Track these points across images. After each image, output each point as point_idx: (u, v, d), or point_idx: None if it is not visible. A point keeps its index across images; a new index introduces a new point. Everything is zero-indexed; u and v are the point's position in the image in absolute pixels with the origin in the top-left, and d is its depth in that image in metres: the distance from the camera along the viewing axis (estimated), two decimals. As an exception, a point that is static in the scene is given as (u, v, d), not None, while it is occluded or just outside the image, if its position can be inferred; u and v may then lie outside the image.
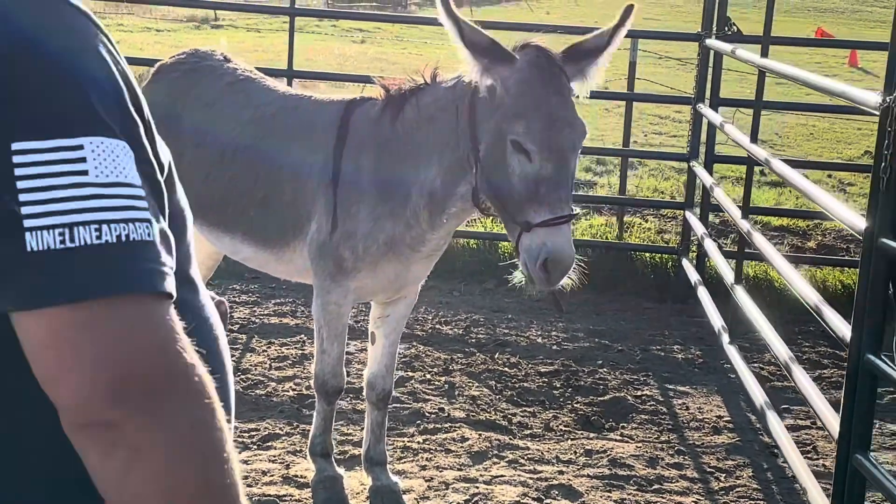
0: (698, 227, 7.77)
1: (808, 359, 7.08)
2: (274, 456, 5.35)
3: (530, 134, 3.94)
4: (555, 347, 7.15)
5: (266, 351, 6.76)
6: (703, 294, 7.20)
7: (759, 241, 5.77)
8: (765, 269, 8.15)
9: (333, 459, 5.02)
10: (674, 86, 14.20)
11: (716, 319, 6.83)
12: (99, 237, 1.26)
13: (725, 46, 7.33)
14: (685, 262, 8.08)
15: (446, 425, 5.82)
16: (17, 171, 1.25)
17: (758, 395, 5.56)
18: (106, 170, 1.28)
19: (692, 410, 6.23)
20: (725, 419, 6.14)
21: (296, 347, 6.81)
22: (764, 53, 6.36)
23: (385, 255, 4.57)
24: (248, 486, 5.03)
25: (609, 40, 4.12)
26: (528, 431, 5.84)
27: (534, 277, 3.98)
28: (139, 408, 1.26)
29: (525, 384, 6.49)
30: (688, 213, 8.24)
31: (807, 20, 34.79)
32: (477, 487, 5.13)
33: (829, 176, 12.22)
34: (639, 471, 5.37)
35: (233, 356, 6.61)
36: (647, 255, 8.59)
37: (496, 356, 6.90)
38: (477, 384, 6.43)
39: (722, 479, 5.41)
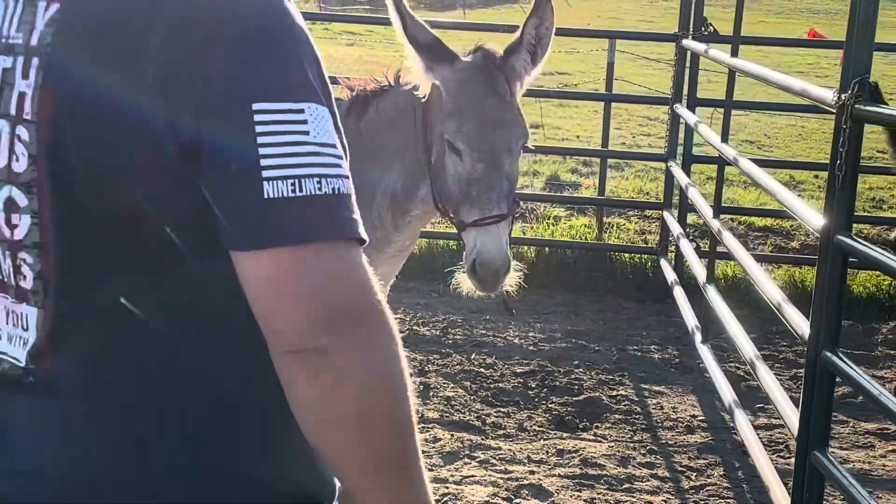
0: (675, 228, 7.77)
1: (785, 358, 7.08)
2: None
3: (461, 134, 3.93)
4: (531, 348, 7.15)
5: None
6: (680, 294, 7.20)
7: (729, 240, 5.78)
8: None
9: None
10: (658, 88, 14.19)
11: (690, 319, 6.83)
12: (320, 189, 1.45)
13: (700, 46, 7.34)
14: (663, 263, 8.09)
15: (419, 426, 5.79)
16: (258, 129, 1.42)
17: (727, 394, 5.57)
18: (320, 131, 1.49)
19: (666, 410, 6.23)
20: (699, 418, 6.14)
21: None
22: (734, 53, 6.37)
23: None
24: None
25: (521, 31, 4.02)
26: (501, 432, 5.84)
27: (473, 281, 3.93)
28: (345, 336, 1.43)
29: (500, 385, 6.48)
30: (665, 214, 8.24)
31: (800, 21, 34.82)
32: (447, 488, 5.13)
33: (816, 176, 12.22)
34: (610, 470, 5.37)
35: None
36: (627, 255, 8.59)
37: (472, 357, 6.90)
38: (452, 385, 6.43)
39: (693, 477, 5.41)
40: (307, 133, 1.47)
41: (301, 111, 1.47)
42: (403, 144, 4.34)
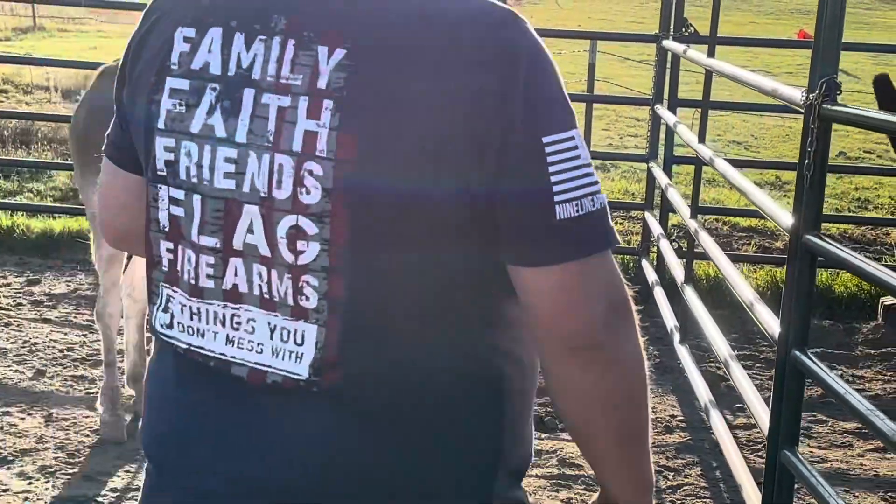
0: (655, 228, 7.78)
1: (765, 358, 7.09)
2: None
3: None
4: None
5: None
6: (660, 294, 7.20)
7: (705, 239, 5.79)
8: (726, 269, 8.16)
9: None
10: (642, 89, 14.20)
11: (669, 319, 6.84)
12: (593, 206, 1.65)
13: (679, 47, 7.35)
14: (644, 263, 8.10)
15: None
16: (548, 159, 1.61)
17: (703, 393, 5.58)
18: (583, 153, 1.66)
19: (646, 410, 6.23)
20: (678, 418, 6.15)
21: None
22: (711, 53, 6.39)
23: None
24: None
25: None
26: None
27: None
28: (615, 331, 1.68)
29: (480, 386, 6.48)
30: (647, 214, 8.25)
31: (790, 22, 34.90)
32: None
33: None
34: (587, 470, 5.37)
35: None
36: (610, 256, 8.59)
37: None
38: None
39: (670, 477, 5.42)
40: (578, 157, 1.65)
41: (572, 137, 1.65)
42: None
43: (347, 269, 1.62)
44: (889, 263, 8.67)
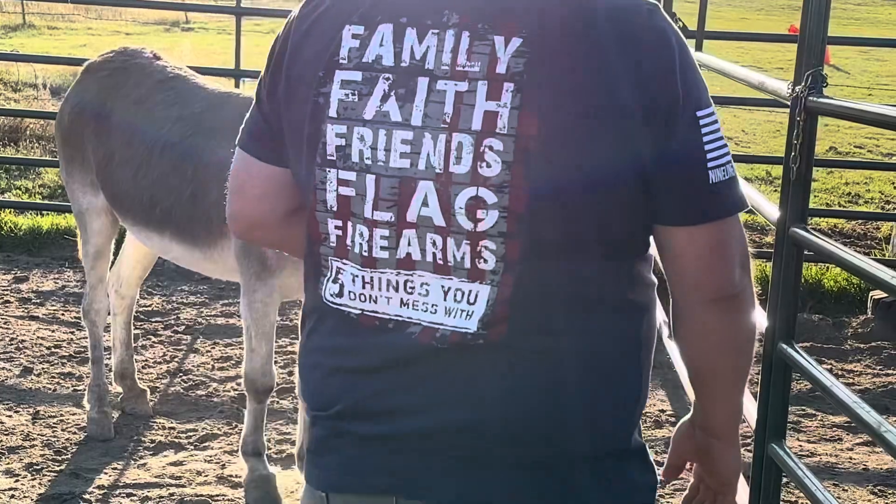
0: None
1: (756, 352, 7.07)
2: (210, 456, 5.33)
3: None
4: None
5: (210, 352, 6.74)
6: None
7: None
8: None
9: (266, 458, 5.00)
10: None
11: (658, 314, 6.81)
12: (733, 172, 1.92)
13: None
14: (635, 258, 8.09)
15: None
16: (702, 131, 1.88)
17: (689, 389, 5.56)
18: (719, 126, 1.93)
19: (635, 405, 6.22)
20: (668, 413, 6.15)
21: (240, 348, 6.76)
22: (698, 48, 6.39)
23: None
24: (182, 486, 5.02)
25: None
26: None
27: None
28: (744, 282, 1.99)
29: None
30: (637, 209, 8.24)
31: (780, 18, 34.90)
32: (412, 484, 5.12)
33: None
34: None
35: (175, 357, 6.60)
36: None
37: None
38: (421, 382, 6.42)
39: (660, 471, 5.40)
40: (719, 129, 1.91)
41: (713, 113, 1.91)
42: None
43: (523, 233, 1.85)
44: (877, 258, 8.68)
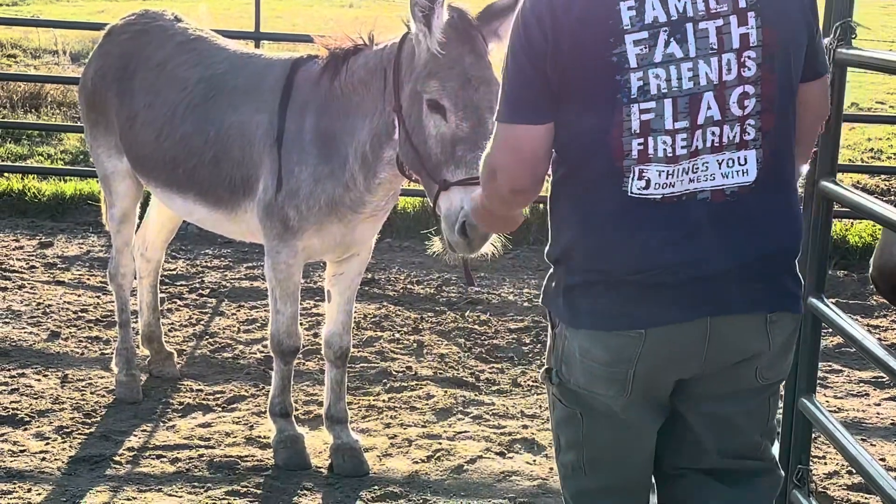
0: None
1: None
2: (238, 417, 5.35)
3: (445, 91, 3.92)
4: (526, 304, 7.14)
5: (235, 314, 6.76)
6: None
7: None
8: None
9: (294, 419, 5.02)
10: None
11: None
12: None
13: None
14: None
15: (413, 383, 5.82)
16: (819, 40, 2.88)
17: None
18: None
19: (660, 362, 6.22)
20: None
21: (265, 310, 6.76)
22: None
23: (328, 215, 4.58)
24: (211, 447, 5.04)
25: (508, 5, 3.93)
26: (495, 387, 5.84)
27: (451, 242, 3.93)
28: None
29: (495, 341, 6.48)
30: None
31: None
32: (440, 443, 5.14)
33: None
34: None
35: (201, 321, 6.63)
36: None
37: (467, 314, 6.89)
38: (446, 342, 6.43)
39: (686, 429, 5.40)
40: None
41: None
42: (372, 105, 4.36)
43: (774, 109, 2.68)
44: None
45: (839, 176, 9.29)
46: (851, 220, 8.29)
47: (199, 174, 4.90)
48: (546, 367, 2.89)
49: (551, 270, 2.84)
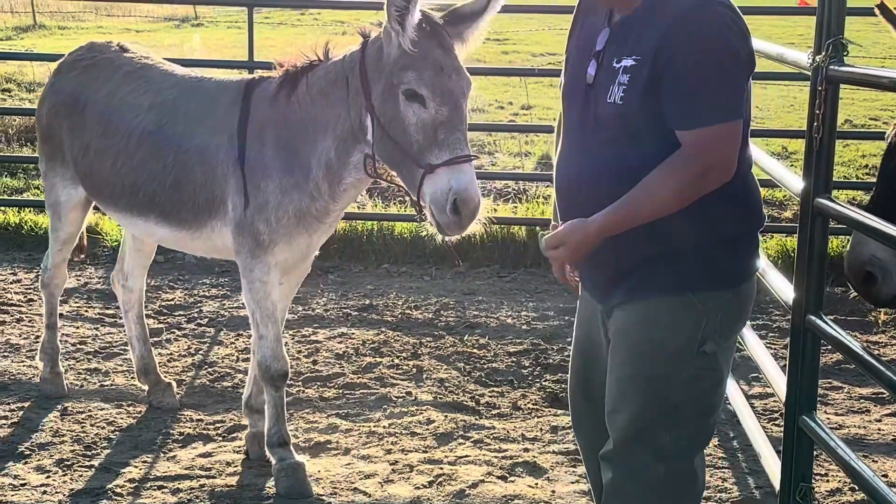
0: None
1: (778, 327, 7.08)
2: (239, 447, 5.34)
3: (423, 81, 4.10)
4: (525, 327, 7.13)
5: (234, 343, 6.75)
6: (671, 267, 7.16)
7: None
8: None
9: (292, 447, 5.00)
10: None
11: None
12: None
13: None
14: (654, 237, 8.07)
15: (413, 408, 5.81)
16: None
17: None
18: None
19: (660, 383, 6.21)
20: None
21: (264, 338, 6.80)
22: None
23: (296, 226, 4.71)
24: (212, 477, 5.03)
25: (487, 4, 4.19)
26: (495, 411, 5.83)
27: (442, 224, 4.06)
28: None
29: (494, 364, 6.48)
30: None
31: (790, -8, 34.73)
32: (441, 468, 5.13)
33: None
34: (604, 445, 5.35)
35: (200, 350, 6.62)
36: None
37: (465, 338, 6.88)
38: (445, 367, 6.42)
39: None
40: None
41: None
42: (335, 113, 4.53)
43: None
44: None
45: (834, 193, 9.28)
46: (848, 237, 8.28)
47: (160, 198, 5.01)
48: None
49: (743, 241, 3.35)
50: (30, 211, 9.07)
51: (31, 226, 8.70)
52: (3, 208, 9.21)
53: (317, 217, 4.71)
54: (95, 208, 5.90)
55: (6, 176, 10.59)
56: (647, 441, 3.34)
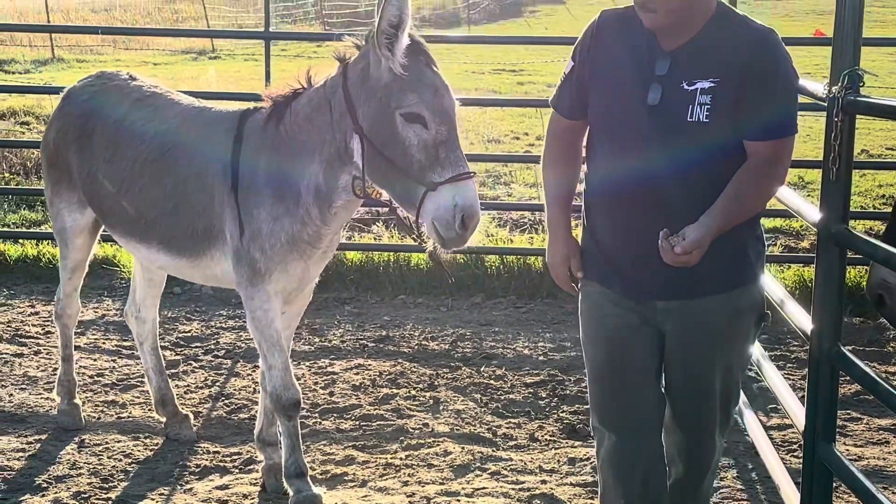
0: (681, 231, 7.72)
1: (796, 357, 7.05)
2: (255, 479, 5.33)
3: (423, 102, 4.18)
4: (541, 358, 7.12)
5: (251, 375, 6.75)
6: (688, 297, 7.14)
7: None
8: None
9: (310, 479, 5.00)
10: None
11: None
12: None
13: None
14: (671, 267, 8.05)
15: (430, 440, 5.80)
16: None
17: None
18: None
19: (678, 414, 6.18)
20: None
21: (281, 370, 6.80)
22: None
23: (290, 252, 4.74)
24: (229, 509, 5.02)
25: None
26: (512, 442, 5.81)
27: (447, 239, 4.15)
28: None
29: (511, 396, 6.46)
30: (672, 218, 8.20)
31: (804, 23, 34.79)
32: (458, 500, 5.11)
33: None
34: (622, 477, 5.33)
35: (217, 382, 6.63)
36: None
37: (482, 369, 6.87)
38: (462, 398, 6.41)
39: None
40: None
41: None
42: (321, 138, 4.59)
43: None
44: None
45: (851, 223, 9.26)
46: (865, 267, 8.25)
47: (160, 225, 5.06)
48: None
49: (755, 244, 3.86)
50: (48, 243, 9.09)
51: (48, 258, 8.73)
52: (21, 241, 9.25)
53: (309, 242, 4.74)
54: (106, 238, 5.93)
55: (24, 208, 10.65)
56: (726, 422, 4.06)
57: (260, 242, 4.71)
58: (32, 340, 7.28)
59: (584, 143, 4.01)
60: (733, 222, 3.68)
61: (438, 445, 5.72)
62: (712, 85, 3.63)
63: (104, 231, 5.74)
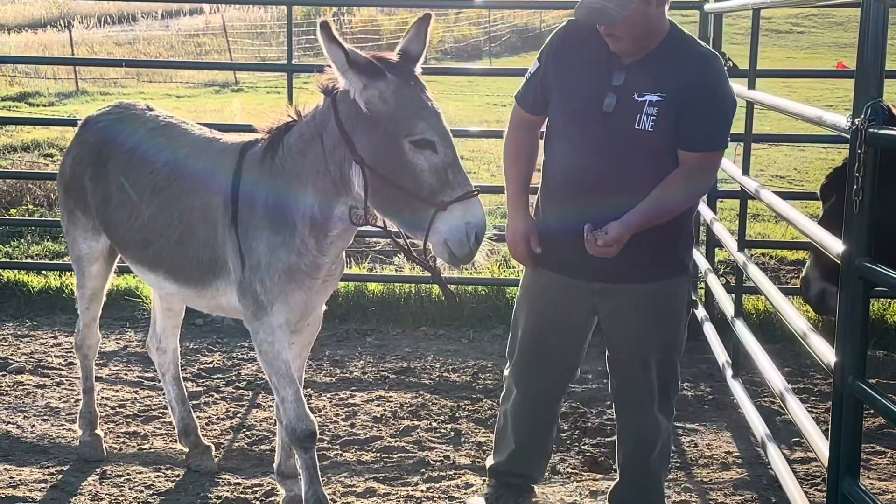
0: (702, 263, 7.72)
1: (819, 391, 7.01)
2: (276, 510, 5.33)
3: (433, 128, 4.25)
4: (563, 390, 7.08)
5: (272, 406, 6.72)
6: (710, 330, 7.14)
7: (754, 272, 5.75)
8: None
9: (332, 511, 4.99)
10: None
11: (720, 355, 6.77)
12: None
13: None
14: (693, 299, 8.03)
15: (451, 472, 5.78)
16: None
17: (759, 428, 5.51)
18: None
19: (701, 447, 6.16)
20: (734, 455, 6.07)
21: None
22: (751, 86, 6.36)
23: (288, 283, 4.75)
24: (249, 541, 5.01)
25: (421, 49, 4.44)
26: (533, 475, 5.78)
27: (459, 255, 4.22)
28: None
29: (532, 428, 6.43)
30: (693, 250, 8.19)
31: (827, 56, 34.79)
32: (480, 533, 5.09)
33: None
34: (644, 510, 5.30)
35: (238, 413, 6.63)
36: (658, 294, 8.52)
37: (504, 402, 6.85)
38: (484, 430, 6.39)
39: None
40: None
41: None
42: (314, 170, 4.62)
43: None
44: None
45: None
46: (889, 300, 8.22)
47: (167, 253, 5.11)
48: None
49: (686, 239, 4.64)
50: (70, 275, 9.13)
51: (71, 290, 8.76)
52: (44, 272, 9.30)
53: (307, 273, 4.75)
54: (128, 270, 5.95)
55: (48, 240, 10.71)
56: (666, 403, 4.80)
57: (260, 275, 4.73)
58: (55, 371, 7.31)
59: (542, 137, 4.73)
60: (653, 222, 4.33)
61: (460, 478, 5.70)
62: (659, 99, 4.29)
63: (122, 262, 5.77)
